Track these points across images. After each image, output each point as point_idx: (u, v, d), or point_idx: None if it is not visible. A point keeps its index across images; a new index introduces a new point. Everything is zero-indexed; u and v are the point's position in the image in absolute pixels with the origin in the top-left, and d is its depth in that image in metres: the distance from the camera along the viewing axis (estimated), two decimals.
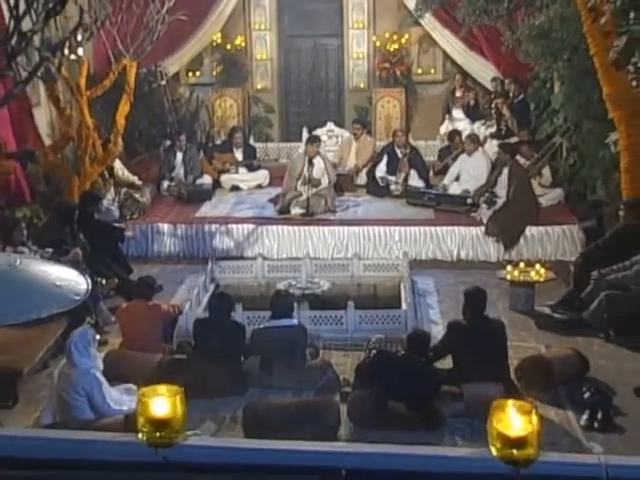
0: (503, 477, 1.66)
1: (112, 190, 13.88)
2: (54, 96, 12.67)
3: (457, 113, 16.49)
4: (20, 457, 1.68)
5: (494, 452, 1.67)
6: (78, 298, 4.64)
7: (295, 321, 9.58)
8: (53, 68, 11.80)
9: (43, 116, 14.24)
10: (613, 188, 12.01)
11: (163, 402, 1.77)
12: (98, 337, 8.97)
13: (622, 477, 1.67)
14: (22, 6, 8.71)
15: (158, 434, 1.73)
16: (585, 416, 8.32)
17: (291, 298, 9.98)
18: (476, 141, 14.56)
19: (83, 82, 12.85)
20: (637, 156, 11.07)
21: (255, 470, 1.69)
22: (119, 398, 8.27)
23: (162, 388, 1.79)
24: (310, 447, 1.84)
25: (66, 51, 11.66)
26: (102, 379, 8.16)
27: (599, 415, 8.27)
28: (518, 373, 8.98)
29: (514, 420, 1.66)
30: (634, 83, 10.23)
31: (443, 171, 15.04)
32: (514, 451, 1.66)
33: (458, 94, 16.63)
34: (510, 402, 1.72)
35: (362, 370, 8.73)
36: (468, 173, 14.24)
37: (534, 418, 1.70)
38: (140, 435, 1.73)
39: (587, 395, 8.50)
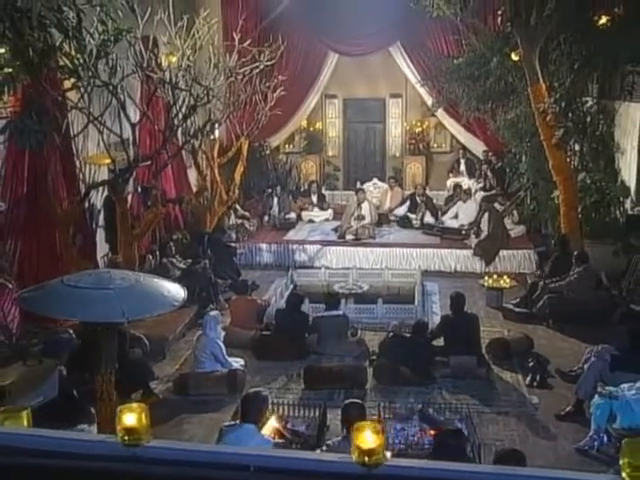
0: (360, 476, 1.56)
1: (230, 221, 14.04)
2: (196, 162, 12.85)
3: (461, 173, 16.23)
4: (20, 447, 1.63)
5: (354, 458, 1.58)
6: (177, 304, 4.65)
7: (341, 312, 9.57)
8: (196, 145, 11.98)
9: (192, 174, 14.39)
10: (556, 226, 11.78)
11: (132, 416, 1.72)
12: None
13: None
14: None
15: (128, 437, 1.68)
16: (528, 378, 8.28)
17: (339, 296, 9.92)
18: (469, 193, 14.36)
19: (215, 153, 13.01)
20: (570, 206, 11.05)
21: (194, 465, 1.63)
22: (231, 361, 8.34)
23: (133, 406, 1.74)
24: (230, 450, 1.77)
25: (206, 133, 11.79)
26: (222, 345, 8.26)
27: (538, 377, 8.22)
28: (487, 349, 8.90)
29: (367, 437, 1.57)
30: (569, 159, 10.25)
31: (447, 212, 14.78)
32: (366, 458, 1.56)
33: (462, 160, 16.37)
34: (365, 424, 1.63)
35: (383, 345, 8.67)
36: (464, 214, 13.98)
37: (380, 436, 1.60)
38: (117, 437, 1.68)
39: (531, 364, 8.45)
